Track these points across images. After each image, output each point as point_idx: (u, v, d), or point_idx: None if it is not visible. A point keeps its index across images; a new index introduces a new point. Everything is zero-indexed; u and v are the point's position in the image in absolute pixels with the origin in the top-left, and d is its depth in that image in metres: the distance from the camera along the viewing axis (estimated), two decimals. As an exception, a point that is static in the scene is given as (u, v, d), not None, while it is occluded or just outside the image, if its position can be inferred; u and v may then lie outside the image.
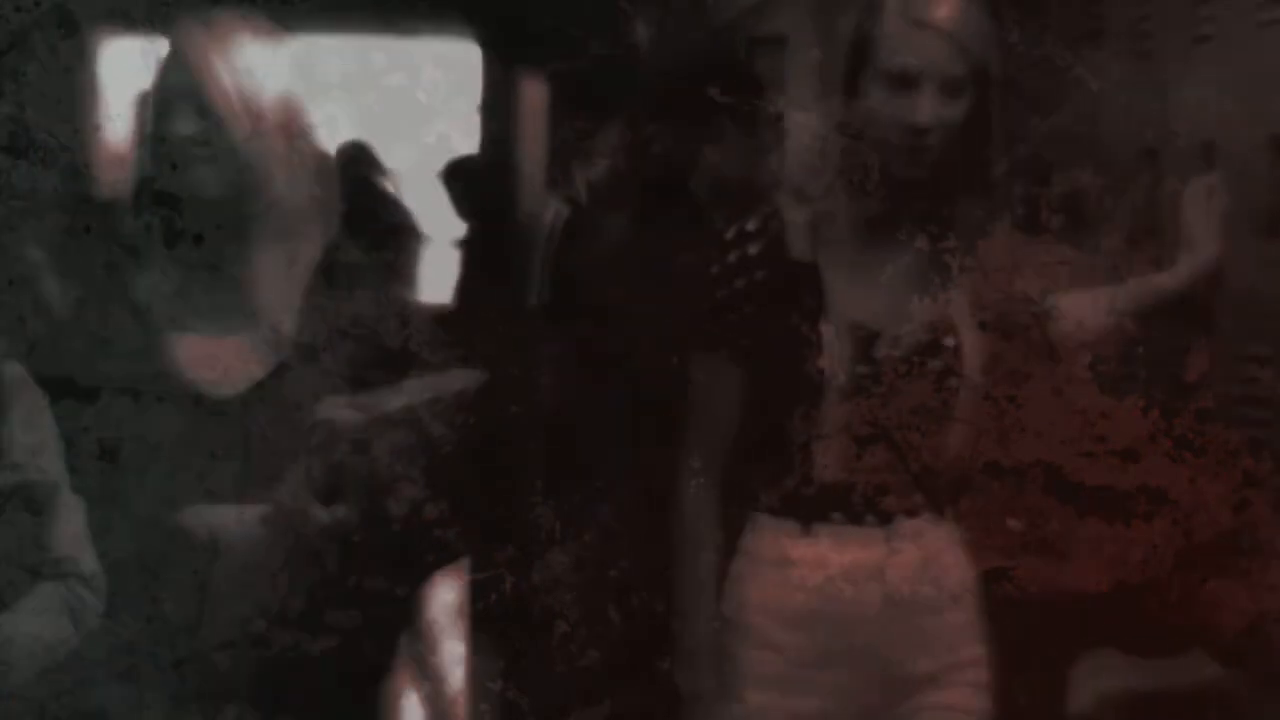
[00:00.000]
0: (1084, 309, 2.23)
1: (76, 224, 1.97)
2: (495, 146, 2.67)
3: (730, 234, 2.20)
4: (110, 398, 1.97)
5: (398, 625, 2.18)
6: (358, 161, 2.58)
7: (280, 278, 2.08)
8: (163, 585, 1.96)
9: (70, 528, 1.96)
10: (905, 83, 2.10)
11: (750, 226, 2.20)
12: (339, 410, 2.04)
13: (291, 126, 2.10)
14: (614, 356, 2.32)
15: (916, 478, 2.14)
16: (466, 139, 2.70)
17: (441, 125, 2.63)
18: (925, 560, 2.16)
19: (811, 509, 2.16)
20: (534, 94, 2.71)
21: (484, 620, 2.28)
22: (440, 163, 2.68)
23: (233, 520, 1.99)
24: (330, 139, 2.46)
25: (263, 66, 2.08)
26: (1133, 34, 2.56)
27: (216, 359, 2.05)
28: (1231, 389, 2.36)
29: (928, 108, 2.09)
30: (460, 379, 2.15)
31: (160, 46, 2.06)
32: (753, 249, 2.18)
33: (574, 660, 2.21)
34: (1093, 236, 2.32)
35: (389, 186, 2.64)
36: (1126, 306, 2.24)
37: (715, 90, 2.44)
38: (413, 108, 2.56)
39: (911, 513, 2.16)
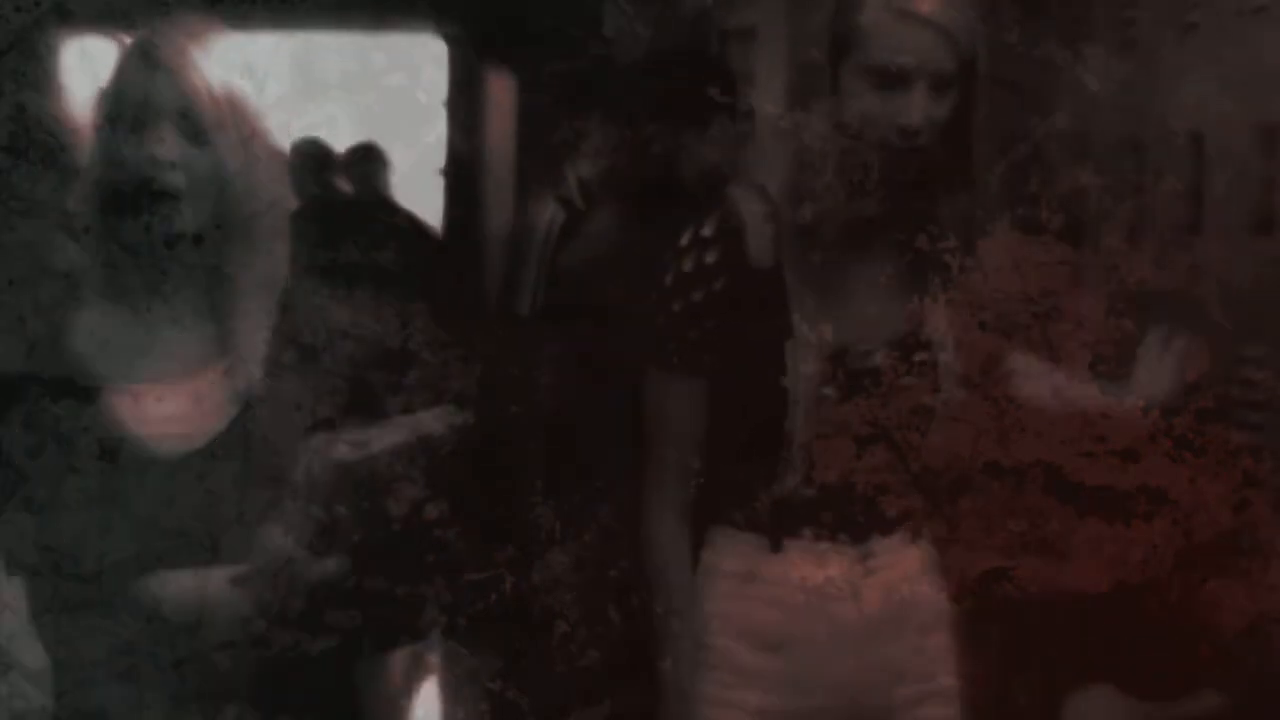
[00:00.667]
0: (1040, 384, 2.17)
1: (76, 224, 1.96)
2: (463, 143, 2.64)
3: (685, 240, 2.08)
4: (110, 398, 1.96)
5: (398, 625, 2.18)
6: (315, 158, 2.55)
7: (257, 298, 1.99)
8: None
9: (11, 617, 1.92)
10: (893, 80, 1.98)
11: (706, 231, 2.07)
12: (332, 446, 1.93)
13: (266, 133, 1.99)
14: (614, 357, 2.32)
15: (908, 483, 2.12)
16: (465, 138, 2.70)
17: (441, 125, 2.63)
18: (901, 580, 2.12)
19: (781, 525, 2.09)
20: (502, 91, 2.69)
21: (484, 620, 2.27)
22: (454, 163, 2.68)
23: (197, 586, 1.92)
24: (330, 139, 2.47)
25: (238, 69, 1.97)
26: (1118, 24, 2.53)
27: (169, 409, 1.94)
28: (1229, 389, 2.36)
29: (919, 107, 1.98)
30: (445, 419, 2.07)
31: (135, 52, 1.95)
32: (710, 257, 2.07)
33: (574, 660, 2.21)
34: (1092, 235, 2.32)
35: (342, 184, 2.62)
36: (1073, 401, 2.19)
37: (711, 88, 2.43)
38: (413, 108, 2.56)
39: (885, 531, 2.11)
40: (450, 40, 2.61)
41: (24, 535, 1.93)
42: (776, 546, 2.09)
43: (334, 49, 2.45)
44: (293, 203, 2.04)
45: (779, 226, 2.07)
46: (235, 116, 1.94)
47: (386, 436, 1.98)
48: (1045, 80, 2.25)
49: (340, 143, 2.63)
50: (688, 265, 2.07)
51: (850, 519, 2.09)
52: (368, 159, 2.70)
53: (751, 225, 2.08)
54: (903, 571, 2.12)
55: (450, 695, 2.35)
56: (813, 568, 2.09)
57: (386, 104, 2.52)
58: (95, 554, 1.93)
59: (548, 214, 2.54)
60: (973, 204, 2.12)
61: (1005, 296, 2.13)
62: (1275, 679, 2.20)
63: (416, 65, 2.58)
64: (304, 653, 1.97)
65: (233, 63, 1.97)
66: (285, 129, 2.36)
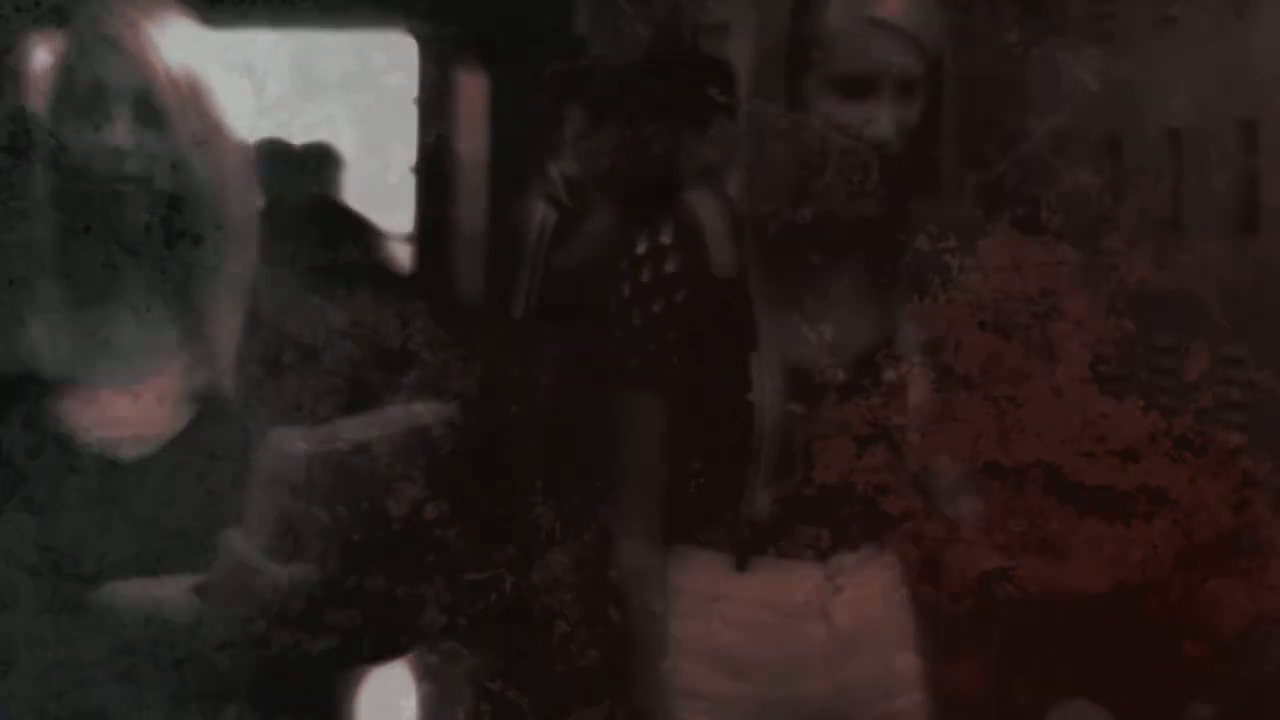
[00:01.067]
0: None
1: (76, 224, 1.96)
2: (434, 141, 2.62)
3: (642, 248, 1.99)
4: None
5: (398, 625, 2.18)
6: (278, 157, 2.52)
7: (225, 293, 1.92)
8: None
9: None
10: (858, 89, 1.90)
11: (665, 239, 1.98)
12: (290, 444, 1.82)
13: (228, 120, 1.89)
14: (611, 358, 2.31)
15: (908, 483, 2.11)
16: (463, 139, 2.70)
17: (441, 125, 2.63)
18: (869, 597, 2.07)
19: (746, 543, 2.02)
20: (475, 89, 2.66)
21: (484, 620, 2.27)
22: (439, 162, 2.67)
23: (158, 593, 1.88)
24: (331, 139, 2.46)
25: (200, 54, 1.87)
26: (1095, 17, 2.49)
27: (126, 410, 1.89)
28: (1229, 390, 2.35)
29: (888, 118, 1.90)
30: (427, 413, 1.98)
31: (86, 31, 1.85)
32: (670, 266, 1.97)
33: (574, 660, 2.21)
34: (1091, 235, 2.31)
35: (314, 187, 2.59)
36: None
37: (711, 88, 2.42)
38: (413, 108, 2.55)
39: (852, 547, 2.06)
40: (420, 38, 2.59)
41: (24, 535, 1.93)
42: (742, 566, 2.03)
43: (334, 49, 2.45)
44: (260, 199, 1.98)
45: (741, 232, 1.99)
46: (196, 101, 1.85)
47: (358, 430, 1.89)
48: (1021, 76, 2.22)
49: (341, 143, 2.63)
50: (646, 275, 1.98)
51: (817, 535, 2.03)
52: (323, 158, 2.68)
53: (711, 231, 1.99)
54: (870, 588, 2.08)
55: (450, 695, 2.35)
56: (780, 587, 2.03)
57: (386, 104, 2.52)
58: (95, 554, 1.93)
59: (539, 214, 2.53)
60: (944, 207, 2.06)
61: (1005, 296, 2.13)
62: (1275, 679, 2.21)
63: (416, 65, 2.58)
64: (304, 653, 1.97)
65: (232, 62, 1.96)
66: (285, 129, 2.37)
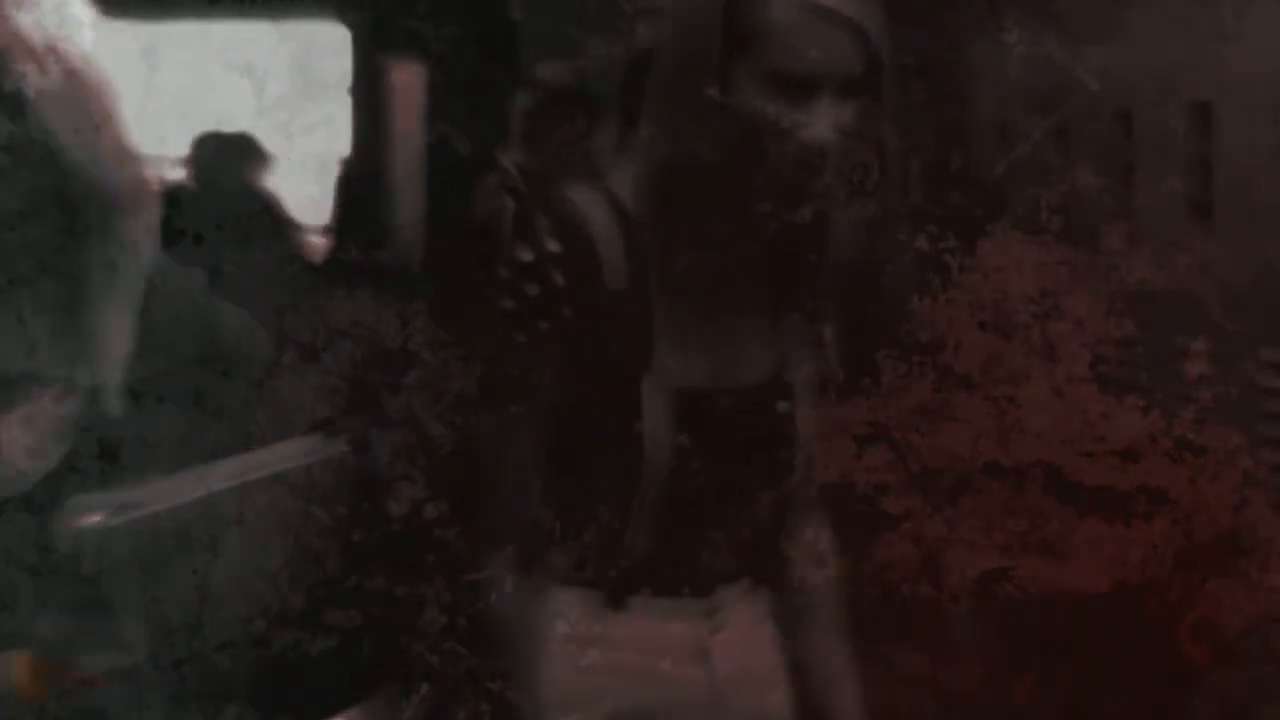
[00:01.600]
0: None
1: (77, 224, 1.96)
2: (367, 132, 2.59)
3: (527, 256, 1.81)
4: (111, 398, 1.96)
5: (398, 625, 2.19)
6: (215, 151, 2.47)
7: (114, 295, 1.77)
8: (163, 585, 1.94)
9: None
10: (796, 86, 1.74)
11: (553, 247, 1.80)
12: (85, 516, 1.64)
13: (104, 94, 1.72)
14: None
15: (908, 483, 2.11)
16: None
17: (442, 125, 2.63)
18: (745, 634, 1.96)
19: (621, 582, 1.88)
20: (409, 79, 2.63)
21: (484, 620, 2.27)
22: (439, 162, 2.67)
23: (4, 671, 1.76)
24: (330, 138, 2.46)
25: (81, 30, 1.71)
26: None
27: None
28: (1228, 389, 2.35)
29: (828, 120, 1.74)
30: (310, 448, 1.85)
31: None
32: (559, 278, 1.80)
33: (573, 660, 2.21)
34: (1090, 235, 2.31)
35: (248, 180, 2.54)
36: None
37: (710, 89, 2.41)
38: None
39: (730, 578, 1.92)
40: (353, 27, 2.56)
41: (24, 535, 1.93)
42: (617, 604, 1.89)
43: (334, 49, 2.45)
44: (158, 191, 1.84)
45: (638, 239, 1.82)
46: (64, 74, 1.71)
47: (180, 491, 1.71)
48: (960, 64, 2.20)
49: (341, 142, 2.62)
50: (532, 288, 1.82)
51: (695, 570, 1.89)
52: (245, 151, 2.65)
53: (603, 239, 1.82)
54: (746, 623, 1.95)
55: (450, 695, 2.35)
56: (656, 627, 1.90)
57: (385, 104, 2.52)
58: (95, 554, 1.93)
59: (508, 208, 2.51)
60: (882, 215, 1.92)
61: (1005, 296, 2.13)
62: (1275, 679, 2.21)
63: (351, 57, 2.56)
64: (304, 653, 1.97)
65: (232, 62, 1.96)
66: (285, 129, 2.37)
